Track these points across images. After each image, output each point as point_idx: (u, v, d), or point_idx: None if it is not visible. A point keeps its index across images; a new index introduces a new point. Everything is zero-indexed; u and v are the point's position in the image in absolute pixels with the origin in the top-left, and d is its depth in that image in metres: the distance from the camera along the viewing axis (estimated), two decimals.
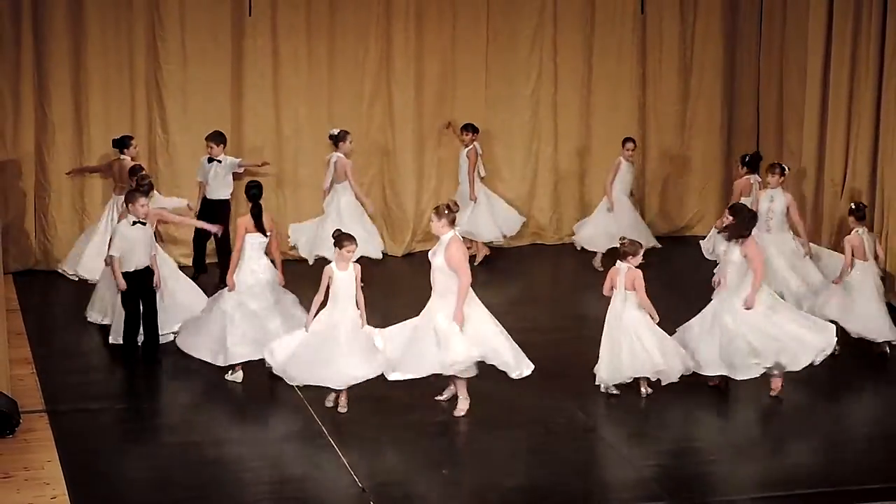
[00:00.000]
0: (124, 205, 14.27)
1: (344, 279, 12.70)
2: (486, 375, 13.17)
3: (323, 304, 12.77)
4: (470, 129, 18.18)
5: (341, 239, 12.72)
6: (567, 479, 11.44)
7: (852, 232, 14.52)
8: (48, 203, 17.57)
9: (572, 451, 12.02)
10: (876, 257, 14.54)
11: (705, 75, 19.69)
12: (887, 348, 14.44)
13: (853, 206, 14.69)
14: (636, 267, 12.96)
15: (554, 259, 18.94)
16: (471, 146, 18.09)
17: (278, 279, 13.91)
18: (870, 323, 14.34)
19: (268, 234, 13.76)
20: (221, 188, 16.97)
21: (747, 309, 12.94)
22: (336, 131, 17.23)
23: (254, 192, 13.84)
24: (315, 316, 12.72)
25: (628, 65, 19.41)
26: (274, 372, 12.89)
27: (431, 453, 12.06)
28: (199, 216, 16.58)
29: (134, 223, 13.90)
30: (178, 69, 17.77)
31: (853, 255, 14.39)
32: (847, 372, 14.09)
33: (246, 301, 13.60)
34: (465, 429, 12.48)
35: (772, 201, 15.30)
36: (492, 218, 18.26)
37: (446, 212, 12.68)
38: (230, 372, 13.61)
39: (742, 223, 13.14)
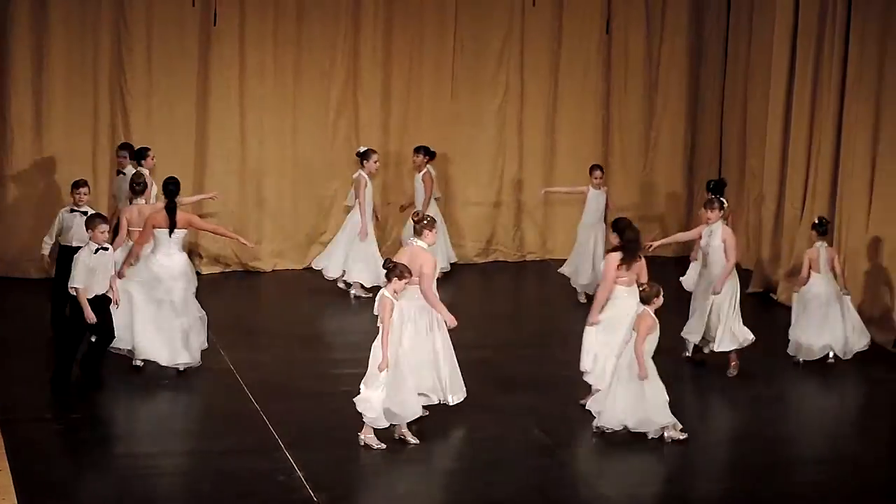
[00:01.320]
0: (88, 227, 13.46)
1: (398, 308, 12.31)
2: None
3: None
4: (423, 151, 17.81)
5: (401, 270, 12.18)
6: (525, 497, 11.41)
7: (813, 245, 14.93)
8: (6, 208, 17.44)
9: (530, 469, 11.98)
10: (833, 271, 14.84)
11: (670, 95, 19.76)
12: (832, 356, 14.89)
13: (816, 222, 15.04)
14: (654, 312, 12.47)
15: (516, 276, 18.95)
16: (425, 170, 17.77)
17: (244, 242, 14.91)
18: (812, 336, 14.79)
19: (174, 232, 13.81)
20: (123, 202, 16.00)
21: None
22: (363, 149, 17.07)
23: (171, 188, 14.06)
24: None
25: (593, 83, 19.46)
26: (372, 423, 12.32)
27: (388, 469, 12.01)
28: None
29: (97, 250, 13.25)
30: (143, 76, 17.71)
31: (810, 268, 14.84)
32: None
33: (152, 292, 13.83)
34: (422, 444, 12.42)
35: (710, 236, 14.63)
36: (443, 242, 17.90)
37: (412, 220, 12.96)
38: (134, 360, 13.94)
39: (630, 241, 13.06)
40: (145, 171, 16.21)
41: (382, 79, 18.63)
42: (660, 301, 12.46)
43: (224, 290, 17.40)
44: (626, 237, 12.97)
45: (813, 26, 17.08)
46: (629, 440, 12.71)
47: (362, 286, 16.84)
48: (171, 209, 13.89)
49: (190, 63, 17.89)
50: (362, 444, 12.21)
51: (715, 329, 14.47)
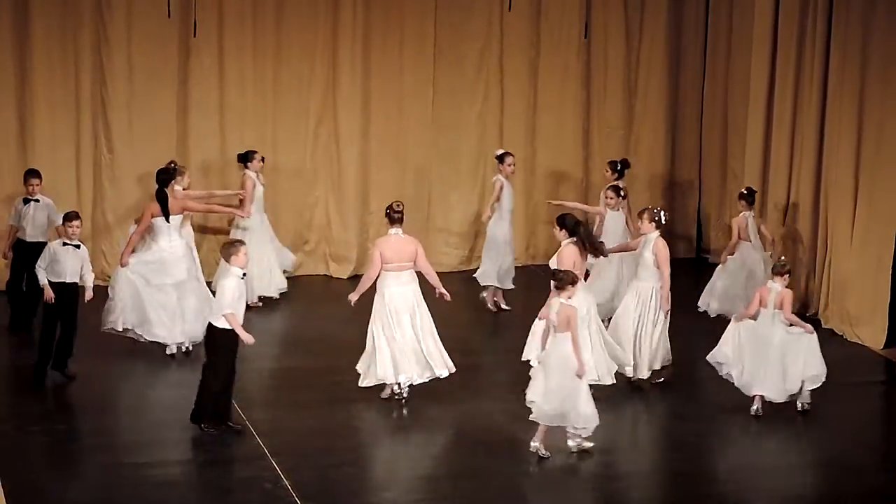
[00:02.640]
0: (229, 254, 12.74)
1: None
2: (428, 398, 13.26)
3: None
4: (245, 159, 17.15)
5: (573, 277, 12.37)
6: (508, 502, 11.43)
7: (740, 214, 16.28)
8: None
9: (514, 474, 12.00)
10: (762, 238, 16.16)
11: (649, 100, 19.80)
12: None
13: (744, 192, 16.26)
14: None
15: None
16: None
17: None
18: (737, 302, 15.68)
19: (170, 219, 14.66)
20: (40, 230, 15.55)
21: None
22: (500, 152, 17.20)
23: (162, 177, 14.87)
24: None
25: (573, 89, 19.49)
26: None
27: (374, 476, 12.04)
28: (15, 263, 15.56)
29: (243, 276, 12.74)
30: (123, 86, 17.69)
31: (739, 237, 16.17)
32: None
33: (151, 277, 14.61)
34: (407, 451, 12.45)
35: (644, 247, 14.31)
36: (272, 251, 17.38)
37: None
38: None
39: (587, 236, 13.64)
40: (252, 174, 16.68)
41: (362, 87, 18.63)
42: (787, 279, 13.43)
43: None
44: (579, 233, 13.46)
45: (794, 26, 17.10)
46: (613, 447, 12.75)
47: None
48: (161, 198, 14.60)
49: (170, 74, 17.88)
50: (576, 449, 12.30)
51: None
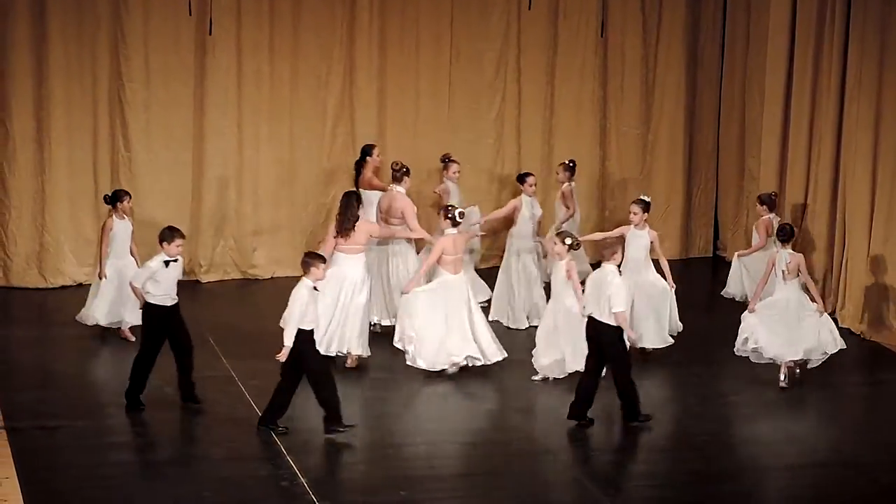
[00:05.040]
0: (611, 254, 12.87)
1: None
2: (444, 394, 13.29)
3: None
4: (110, 201, 15.42)
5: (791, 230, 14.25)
6: (525, 502, 11.45)
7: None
8: (9, 219, 17.47)
9: (530, 473, 12.02)
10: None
11: (667, 98, 19.79)
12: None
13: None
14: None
15: None
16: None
17: None
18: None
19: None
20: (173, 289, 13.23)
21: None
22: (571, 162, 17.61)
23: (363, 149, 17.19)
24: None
25: (590, 87, 19.50)
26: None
27: (389, 474, 12.05)
28: (152, 333, 13.12)
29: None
30: (140, 86, 17.74)
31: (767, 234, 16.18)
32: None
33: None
34: (421, 450, 12.47)
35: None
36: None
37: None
38: None
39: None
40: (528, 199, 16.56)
41: (379, 87, 18.66)
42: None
43: (223, 298, 17.45)
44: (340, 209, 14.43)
45: (811, 23, 17.08)
46: (628, 446, 12.76)
47: None
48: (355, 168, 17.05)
49: (187, 72, 17.92)
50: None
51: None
